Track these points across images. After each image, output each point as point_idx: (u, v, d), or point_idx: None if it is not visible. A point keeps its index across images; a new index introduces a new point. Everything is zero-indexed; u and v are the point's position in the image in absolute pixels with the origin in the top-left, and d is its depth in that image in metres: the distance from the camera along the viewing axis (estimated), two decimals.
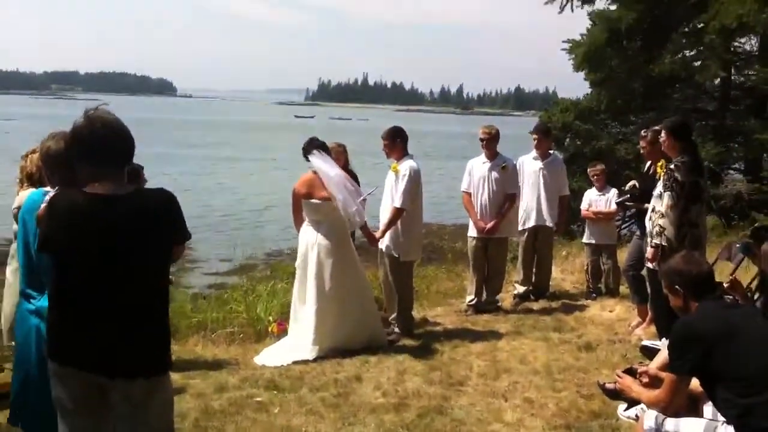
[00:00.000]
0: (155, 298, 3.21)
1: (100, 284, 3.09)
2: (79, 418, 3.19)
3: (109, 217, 3.08)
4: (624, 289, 9.36)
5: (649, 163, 7.50)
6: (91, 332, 3.10)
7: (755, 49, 16.19)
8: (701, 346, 3.44)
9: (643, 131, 7.62)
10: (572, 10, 16.48)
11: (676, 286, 3.78)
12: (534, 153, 9.14)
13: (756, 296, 5.92)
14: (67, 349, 3.15)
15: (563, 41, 17.08)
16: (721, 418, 3.50)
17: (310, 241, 7.12)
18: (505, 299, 9.20)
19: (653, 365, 4.58)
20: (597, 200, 9.21)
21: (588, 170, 9.71)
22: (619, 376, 4.23)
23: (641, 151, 7.64)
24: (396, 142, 7.60)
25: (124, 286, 3.10)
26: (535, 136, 9.23)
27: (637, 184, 7.61)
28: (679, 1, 14.94)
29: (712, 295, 3.78)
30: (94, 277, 3.09)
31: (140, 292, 3.13)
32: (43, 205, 3.60)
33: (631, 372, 4.36)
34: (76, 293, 3.13)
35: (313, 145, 7.10)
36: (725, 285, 5.17)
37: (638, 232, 7.61)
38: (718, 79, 16.51)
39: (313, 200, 7.07)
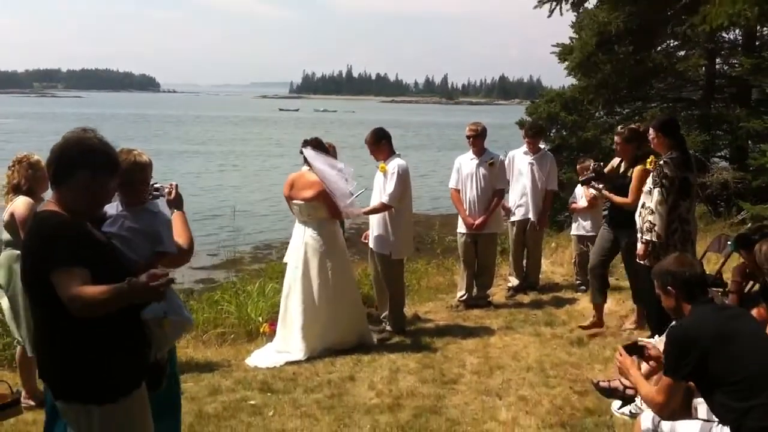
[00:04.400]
0: (44, 319, 3.15)
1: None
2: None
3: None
4: (614, 281, 9.39)
5: (619, 159, 7.35)
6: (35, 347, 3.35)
7: (739, 38, 16.23)
8: (697, 352, 3.44)
9: (619, 127, 7.54)
10: (561, 14, 16.47)
11: (668, 287, 3.78)
12: (524, 148, 9.18)
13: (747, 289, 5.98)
14: None
15: (552, 45, 17.09)
16: (716, 418, 3.51)
17: (298, 241, 7.13)
18: (496, 294, 9.22)
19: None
20: (584, 194, 9.23)
21: (577, 165, 9.72)
22: (620, 354, 4.08)
23: (615, 147, 7.39)
24: (381, 143, 7.61)
25: (31, 303, 3.26)
26: (527, 138, 9.21)
27: (601, 164, 7.51)
28: (667, 2, 14.91)
29: (705, 297, 3.77)
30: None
31: (39, 313, 3.18)
32: None
33: (636, 349, 4.20)
34: None
35: (309, 143, 7.09)
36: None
37: (606, 226, 7.45)
38: (703, 69, 16.55)
39: (295, 201, 7.07)
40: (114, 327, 3.09)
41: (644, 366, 4.29)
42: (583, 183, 8.09)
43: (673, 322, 3.85)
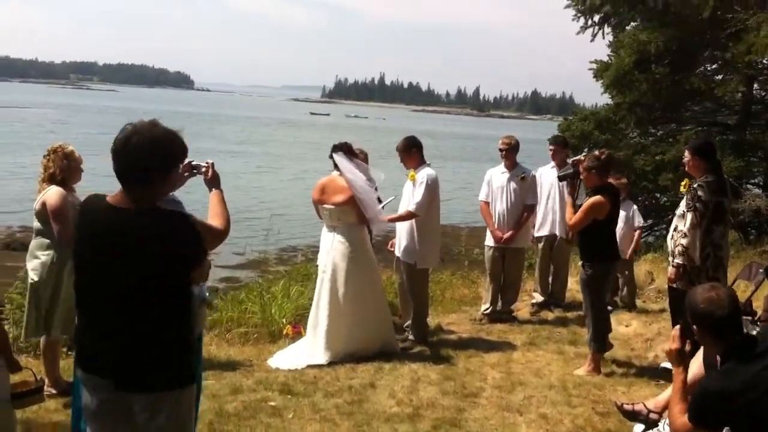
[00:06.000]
0: (164, 313, 3.15)
1: (106, 294, 3.12)
2: (103, 422, 3.23)
3: (108, 227, 3.11)
4: (640, 303, 9.33)
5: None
6: (105, 343, 3.15)
7: None
8: (732, 415, 3.27)
9: (582, 155, 7.23)
10: (603, 37, 16.54)
11: (695, 327, 3.62)
12: (552, 163, 9.12)
13: None
14: (89, 358, 3.22)
15: (590, 61, 17.07)
16: None
17: (326, 246, 7.14)
18: (520, 309, 9.17)
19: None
20: None
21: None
22: (676, 333, 3.88)
23: (580, 176, 6.91)
24: (411, 152, 7.62)
25: (127, 298, 3.10)
26: (551, 147, 9.22)
27: (581, 158, 7.18)
28: (708, 27, 14.82)
29: (737, 335, 3.52)
30: (101, 287, 3.12)
31: (145, 307, 3.11)
32: None
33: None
34: (90, 301, 3.19)
35: (339, 148, 7.11)
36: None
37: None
38: (739, 94, 16.41)
39: (326, 206, 7.08)
40: (190, 312, 3.29)
41: (692, 371, 4.13)
42: (560, 178, 7.59)
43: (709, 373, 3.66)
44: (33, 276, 5.69)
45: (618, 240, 9.05)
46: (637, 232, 9.24)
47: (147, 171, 3.13)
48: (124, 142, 3.12)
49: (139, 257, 3.05)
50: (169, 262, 3.10)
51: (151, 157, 3.13)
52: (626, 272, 9.12)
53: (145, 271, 3.07)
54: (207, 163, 3.95)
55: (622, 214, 8.97)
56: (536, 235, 9.14)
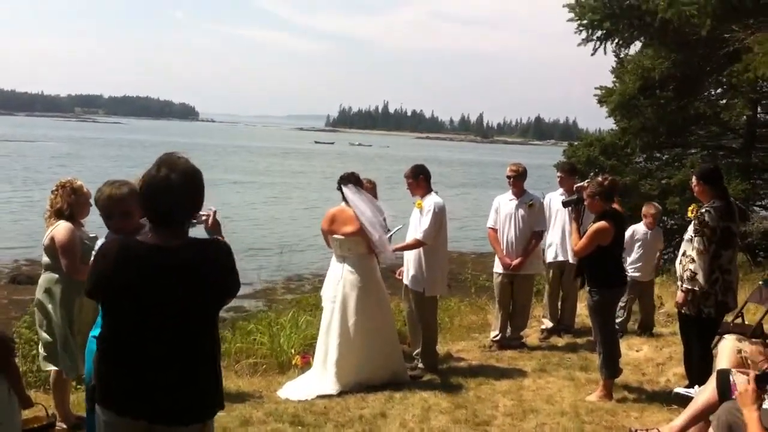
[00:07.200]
0: (207, 344, 3.20)
1: (153, 332, 3.08)
2: None
3: (160, 267, 3.08)
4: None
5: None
6: (150, 380, 3.09)
7: None
8: None
9: (586, 181, 7.22)
10: (605, 53, 16.54)
11: None
12: (560, 190, 9.12)
13: None
14: (125, 399, 3.12)
15: (595, 88, 17.10)
16: None
17: (336, 276, 7.14)
18: (530, 335, 9.13)
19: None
20: (644, 236, 9.06)
21: (643, 209, 9.39)
22: (747, 381, 3.86)
23: (584, 202, 6.87)
24: (419, 179, 7.65)
25: (177, 334, 3.10)
26: (559, 174, 9.23)
27: (585, 184, 7.21)
28: (712, 50, 14.88)
29: None
30: (148, 326, 3.08)
31: (193, 340, 3.13)
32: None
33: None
34: (131, 341, 3.11)
35: (347, 179, 7.15)
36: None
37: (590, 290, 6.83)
38: (744, 117, 16.45)
39: (336, 236, 7.10)
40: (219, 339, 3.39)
41: (706, 396, 4.10)
42: (565, 204, 7.54)
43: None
44: (47, 309, 5.70)
45: (642, 262, 9.04)
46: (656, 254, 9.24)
47: (186, 208, 3.20)
48: (165, 181, 3.11)
49: (194, 289, 3.10)
50: (218, 291, 3.20)
51: (189, 194, 3.18)
52: (646, 294, 9.08)
53: (199, 302, 3.13)
54: (209, 210, 3.91)
55: (648, 238, 8.94)
56: (547, 260, 9.13)
